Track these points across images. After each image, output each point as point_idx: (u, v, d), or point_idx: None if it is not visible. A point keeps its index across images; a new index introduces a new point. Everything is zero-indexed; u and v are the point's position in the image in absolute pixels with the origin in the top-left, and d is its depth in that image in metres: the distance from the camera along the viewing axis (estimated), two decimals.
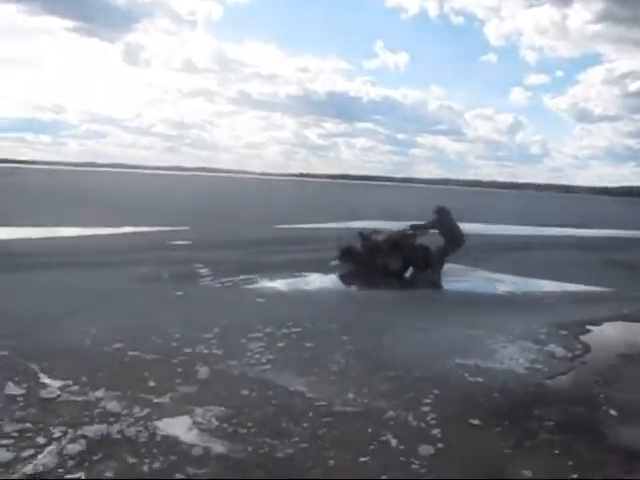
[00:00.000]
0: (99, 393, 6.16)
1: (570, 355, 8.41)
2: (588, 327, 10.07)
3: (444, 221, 15.47)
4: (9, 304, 10.16)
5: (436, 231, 15.56)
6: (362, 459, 5.05)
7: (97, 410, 5.75)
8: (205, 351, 7.73)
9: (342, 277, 14.84)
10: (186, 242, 19.99)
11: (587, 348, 8.84)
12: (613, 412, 6.42)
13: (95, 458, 4.83)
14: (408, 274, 15.56)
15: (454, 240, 15.38)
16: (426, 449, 5.26)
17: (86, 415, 5.62)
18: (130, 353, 7.49)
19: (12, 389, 6.21)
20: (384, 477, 4.78)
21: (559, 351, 8.53)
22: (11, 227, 22.47)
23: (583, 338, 9.38)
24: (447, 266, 15.65)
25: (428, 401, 6.36)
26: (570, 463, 5.20)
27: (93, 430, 5.29)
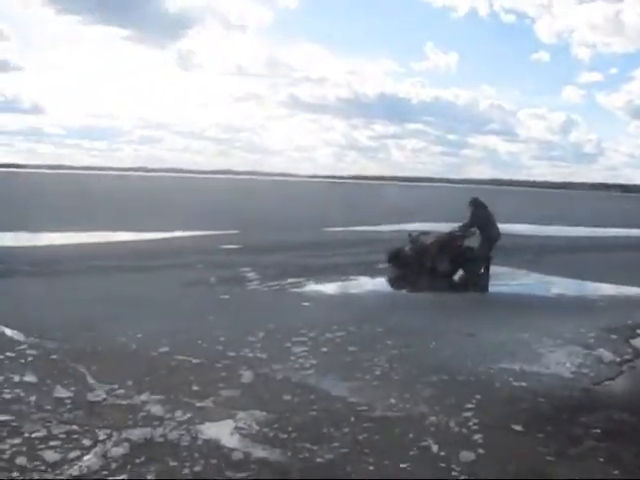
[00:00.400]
0: (144, 397, 6.26)
1: (619, 360, 8.25)
2: (639, 331, 9.87)
3: (481, 215, 15.42)
4: (60, 308, 10.41)
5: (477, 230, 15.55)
6: (402, 465, 5.03)
7: (141, 414, 5.85)
8: (250, 355, 7.79)
9: (390, 280, 14.82)
10: (235, 246, 20.17)
11: (637, 352, 8.65)
12: None
13: (138, 461, 4.91)
14: (457, 276, 15.48)
15: (491, 236, 15.32)
16: (467, 455, 5.22)
17: (130, 418, 5.72)
18: (175, 357, 7.60)
19: (61, 392, 6.36)
20: None
21: (608, 355, 8.38)
22: (66, 232, 22.96)
23: (634, 342, 9.19)
24: (497, 268, 15.53)
25: (471, 406, 6.30)
26: (616, 472, 5.10)
27: (137, 433, 5.38)
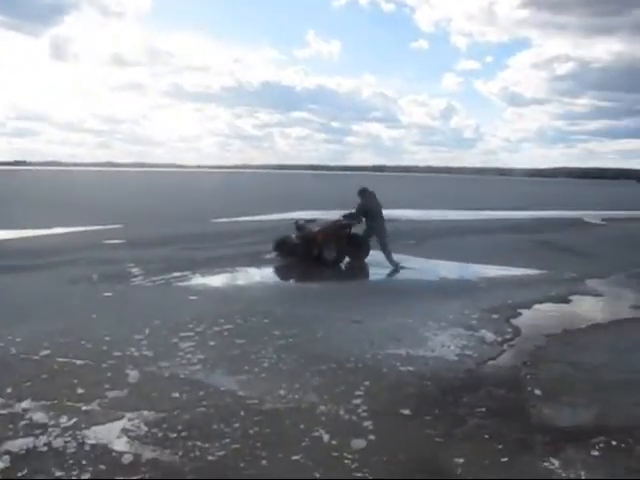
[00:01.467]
0: (25, 404, 6.02)
1: (500, 339, 8.58)
2: (519, 310, 10.31)
3: (367, 204, 15.69)
4: None
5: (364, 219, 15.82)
6: (294, 457, 5.05)
7: (23, 422, 5.62)
8: (135, 353, 7.63)
9: (277, 270, 14.81)
10: (118, 241, 19.69)
11: (517, 331, 9.04)
12: (538, 392, 6.61)
13: (20, 475, 4.71)
14: (343, 264, 15.63)
15: (376, 224, 15.66)
16: (358, 443, 5.30)
17: (11, 428, 5.48)
18: (58, 359, 7.33)
19: None
20: (317, 475, 4.80)
21: (489, 336, 8.71)
22: None
23: (514, 321, 9.59)
24: (381, 254, 15.78)
25: (360, 393, 6.40)
26: (499, 447, 5.31)
27: (18, 444, 5.17)
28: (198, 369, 7.08)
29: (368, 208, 15.64)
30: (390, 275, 14.47)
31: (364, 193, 15.92)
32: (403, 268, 15.00)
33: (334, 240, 15.49)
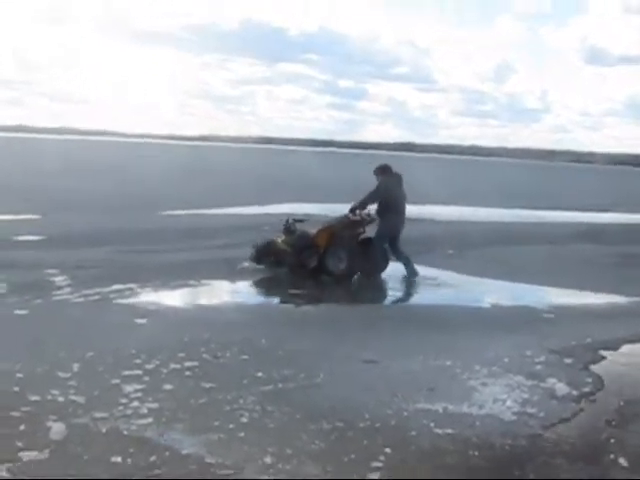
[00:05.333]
0: None
1: (576, 393, 8.55)
2: (602, 352, 10.28)
3: (390, 188, 15.39)
4: None
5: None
6: None
7: None
8: (60, 398, 7.61)
9: (260, 285, 14.82)
10: (36, 237, 19.78)
11: (599, 382, 9.01)
12: (623, 462, 6.63)
13: None
14: (354, 279, 15.61)
15: (395, 222, 15.43)
16: None
17: None
18: None
19: None
20: None
21: (561, 388, 8.68)
22: None
23: (594, 368, 9.57)
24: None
25: (378, 465, 6.37)
26: None
27: None
28: (149, 423, 7.06)
29: (390, 195, 15.43)
30: (418, 296, 14.47)
31: (385, 171, 15.67)
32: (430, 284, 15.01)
33: (345, 244, 15.34)
